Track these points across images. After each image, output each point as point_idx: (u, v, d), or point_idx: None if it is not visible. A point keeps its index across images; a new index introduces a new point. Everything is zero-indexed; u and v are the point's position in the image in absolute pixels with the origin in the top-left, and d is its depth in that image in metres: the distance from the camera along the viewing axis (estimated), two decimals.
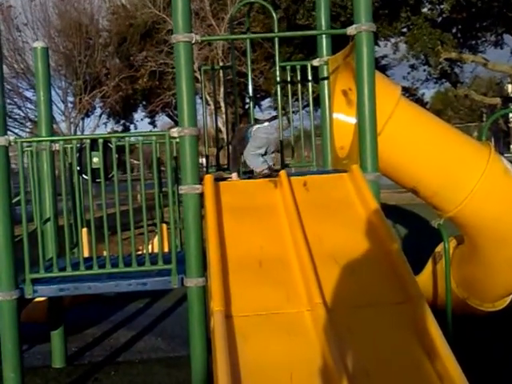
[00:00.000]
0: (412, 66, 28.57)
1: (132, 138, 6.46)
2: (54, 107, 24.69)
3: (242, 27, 20.90)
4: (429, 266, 7.89)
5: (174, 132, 5.47)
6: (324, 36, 7.15)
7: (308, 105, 7.92)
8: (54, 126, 24.95)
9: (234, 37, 6.66)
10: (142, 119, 39.24)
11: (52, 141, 6.13)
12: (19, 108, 25.31)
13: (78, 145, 5.83)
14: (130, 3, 30.82)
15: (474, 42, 28.57)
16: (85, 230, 7.19)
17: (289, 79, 7.58)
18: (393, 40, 25.86)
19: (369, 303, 4.48)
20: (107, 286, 5.73)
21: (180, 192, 5.53)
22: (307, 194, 5.58)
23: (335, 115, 7.03)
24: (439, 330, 4.09)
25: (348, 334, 4.18)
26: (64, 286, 5.64)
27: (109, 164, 5.85)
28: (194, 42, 5.44)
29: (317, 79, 7.27)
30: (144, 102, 35.39)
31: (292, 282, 4.62)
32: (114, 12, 30.95)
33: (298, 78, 7.47)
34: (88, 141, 5.74)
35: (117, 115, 34.58)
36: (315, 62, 7.18)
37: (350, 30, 5.61)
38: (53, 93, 24.21)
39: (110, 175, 5.90)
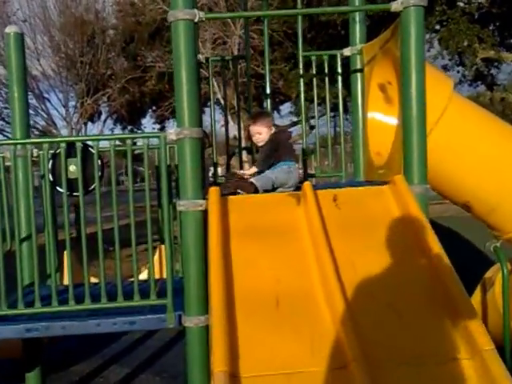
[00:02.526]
0: (445, 67, 27.83)
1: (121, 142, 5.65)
2: (55, 112, 24.25)
3: (260, 25, 20.24)
4: (477, 295, 7.13)
5: (171, 133, 4.71)
6: (357, 20, 6.50)
7: (336, 108, 7.16)
8: (55, 132, 24.41)
9: (247, 14, 5.88)
10: (153, 128, 38.80)
11: (15, 144, 5.29)
12: None
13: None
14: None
15: None
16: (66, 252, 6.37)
17: (314, 71, 6.85)
18: (427, 36, 25.20)
19: (423, 358, 3.69)
20: (86, 326, 4.94)
21: (178, 209, 4.80)
22: (338, 211, 4.88)
23: (370, 115, 6.38)
24: None
25: None
26: (32, 325, 4.87)
27: (89, 173, 5.00)
28: (197, 20, 4.71)
29: (348, 72, 6.66)
30: (154, 107, 35.02)
31: (318, 327, 3.87)
32: (121, 9, 30.58)
33: (326, 71, 6.87)
34: (63, 144, 4.91)
35: (123, 120, 34.14)
36: (346, 52, 6.60)
37: (396, 5, 4.93)
38: (53, 97, 24.01)
39: (91, 187, 5.06)
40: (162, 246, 6.82)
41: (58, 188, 5.17)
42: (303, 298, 4.05)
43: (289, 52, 25.73)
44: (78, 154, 4.85)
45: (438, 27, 24.22)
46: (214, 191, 4.80)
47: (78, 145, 4.84)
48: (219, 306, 3.81)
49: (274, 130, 5.67)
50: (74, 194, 5.05)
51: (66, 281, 6.06)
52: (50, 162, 5.09)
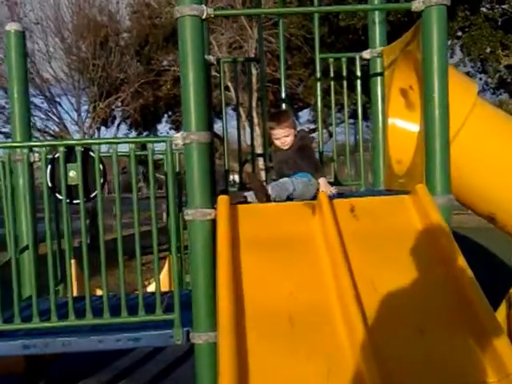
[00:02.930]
0: (467, 74, 27.46)
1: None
2: (67, 116, 24.02)
3: (277, 28, 19.98)
4: (502, 311, 6.82)
5: (178, 138, 4.47)
6: (377, 21, 6.29)
7: (356, 114, 6.91)
8: (68, 137, 24.16)
9: (261, 10, 5.63)
10: (168, 133, 38.53)
11: (10, 147, 5.05)
12: None
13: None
14: (153, 0, 30.18)
15: None
16: (74, 261, 6.16)
17: (331, 74, 6.55)
18: (448, 42, 24.89)
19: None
20: (88, 343, 4.73)
21: (185, 218, 4.56)
22: (355, 222, 4.61)
23: (391, 121, 6.16)
24: None
25: None
26: (29, 341, 4.66)
27: (90, 179, 4.76)
28: (204, 16, 4.48)
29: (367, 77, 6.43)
30: (169, 112, 34.73)
31: (335, 352, 3.61)
32: (136, 11, 30.34)
33: (344, 73, 6.66)
34: (62, 148, 4.67)
35: (138, 126, 33.86)
36: (366, 54, 6.37)
37: (417, 5, 4.70)
38: (65, 101, 23.80)
39: (93, 194, 4.82)
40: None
41: (57, 195, 4.93)
42: (319, 317, 3.81)
43: (308, 57, 25.39)
44: (78, 159, 4.64)
45: (459, 33, 23.90)
46: (222, 200, 4.55)
47: (78, 149, 4.62)
48: (227, 324, 3.57)
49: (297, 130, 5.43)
50: (75, 201, 4.82)
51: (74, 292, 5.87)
52: (49, 167, 4.86)
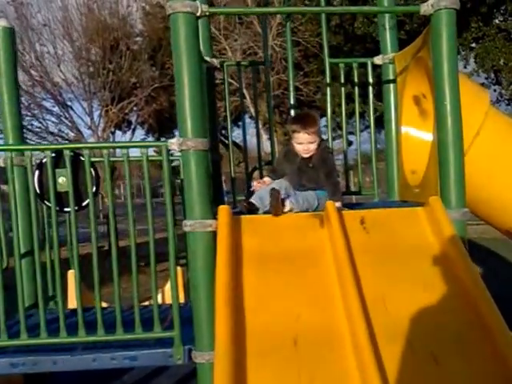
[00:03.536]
0: (481, 85, 27.23)
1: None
2: (80, 121, 23.82)
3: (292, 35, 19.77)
4: None
5: (173, 143, 4.14)
6: (388, 26, 6.05)
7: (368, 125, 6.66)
8: (83, 141, 23.85)
9: (262, 10, 5.36)
10: None
11: None
12: (38, 120, 24.33)
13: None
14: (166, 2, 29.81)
15: None
16: (72, 272, 5.85)
17: (342, 80, 6.28)
18: (463, 53, 24.64)
19: None
20: (80, 361, 4.38)
21: (184, 229, 4.24)
22: (365, 235, 4.33)
23: (404, 129, 5.89)
24: None
25: None
26: (18, 359, 4.32)
27: (81, 186, 4.46)
28: (199, 13, 4.19)
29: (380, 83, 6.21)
30: None
31: (342, 374, 3.34)
32: (149, 12, 30.09)
33: (356, 79, 6.37)
34: (49, 153, 4.37)
35: (155, 131, 33.57)
36: (378, 60, 6.14)
37: (425, 8, 4.47)
38: (77, 105, 23.59)
39: (85, 203, 4.52)
40: (179, 268, 6.36)
41: (45, 202, 4.61)
42: (325, 340, 3.51)
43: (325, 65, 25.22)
44: (68, 164, 4.32)
45: (473, 45, 23.69)
46: (223, 210, 4.24)
47: (67, 153, 4.30)
48: (224, 346, 3.27)
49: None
50: (65, 209, 4.51)
51: (73, 304, 5.58)
52: (37, 172, 4.53)
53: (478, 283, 3.75)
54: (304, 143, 4.83)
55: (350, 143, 19.72)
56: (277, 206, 4.44)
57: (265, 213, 4.55)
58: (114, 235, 4.52)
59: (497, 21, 23.15)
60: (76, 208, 4.46)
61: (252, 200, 4.61)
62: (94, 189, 4.53)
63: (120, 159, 4.60)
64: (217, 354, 3.26)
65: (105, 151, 4.43)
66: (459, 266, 3.90)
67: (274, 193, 4.44)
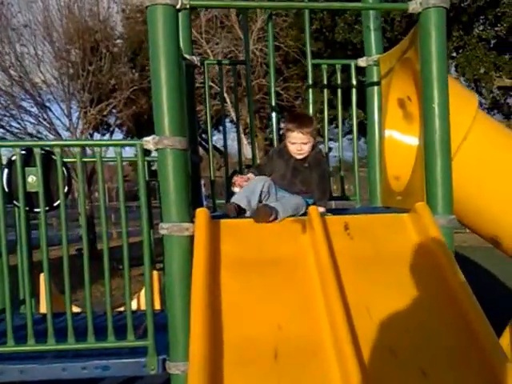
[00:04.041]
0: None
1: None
2: (59, 122, 23.53)
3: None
4: (505, 337, 6.32)
5: (149, 142, 3.93)
6: (372, 27, 5.86)
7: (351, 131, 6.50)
8: None
9: (244, 4, 5.14)
10: None
11: None
12: (16, 120, 23.99)
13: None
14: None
15: None
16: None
17: (325, 82, 6.14)
18: None
19: None
20: (50, 370, 4.15)
21: (160, 232, 4.02)
22: (349, 241, 4.13)
23: (388, 133, 5.69)
24: None
25: None
26: None
27: (53, 186, 4.23)
28: (179, 6, 3.97)
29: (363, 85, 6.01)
30: None
31: None
32: (129, 16, 29.89)
33: (338, 81, 6.24)
34: (18, 150, 4.14)
35: (133, 134, 33.32)
36: (361, 62, 5.94)
37: (414, 6, 4.31)
38: (56, 106, 23.32)
39: (56, 203, 4.29)
40: (155, 273, 6.17)
41: (14, 202, 4.36)
42: (307, 352, 3.31)
43: (305, 70, 25.10)
44: (38, 163, 4.08)
45: (454, 54, 23.71)
46: (201, 213, 4.02)
47: (37, 151, 4.07)
48: (200, 356, 3.06)
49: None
50: (35, 210, 4.27)
51: (44, 308, 5.38)
52: (6, 170, 4.27)
53: (467, 291, 3.62)
54: (297, 143, 4.61)
55: (329, 149, 19.74)
56: (263, 221, 4.24)
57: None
58: (87, 237, 4.29)
59: (477, 30, 23.19)
60: (47, 209, 4.24)
61: (240, 204, 4.41)
62: (66, 189, 4.30)
63: (93, 159, 4.39)
64: (191, 366, 3.06)
65: (77, 150, 4.21)
66: (447, 274, 3.75)
67: (265, 210, 4.24)
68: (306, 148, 4.62)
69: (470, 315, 3.48)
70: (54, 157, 4.12)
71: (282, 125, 6.13)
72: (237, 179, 4.69)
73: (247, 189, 4.52)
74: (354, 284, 3.71)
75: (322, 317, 3.48)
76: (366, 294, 3.66)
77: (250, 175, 4.73)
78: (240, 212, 4.39)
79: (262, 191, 4.50)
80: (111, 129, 29.78)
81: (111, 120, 28.75)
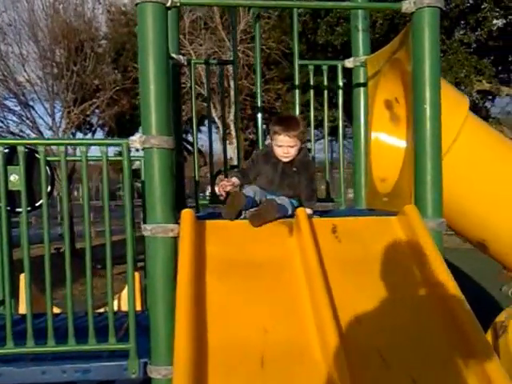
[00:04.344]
0: None
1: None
2: (42, 121, 23.36)
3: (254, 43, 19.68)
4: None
5: (135, 141, 3.80)
6: (360, 28, 5.72)
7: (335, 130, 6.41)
8: None
9: (235, 2, 5.03)
10: None
11: None
12: None
13: None
14: (131, 7, 29.59)
15: (506, 76, 27.38)
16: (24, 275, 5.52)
17: (311, 82, 6.11)
18: None
19: None
20: (28, 374, 4.01)
21: (144, 233, 3.89)
22: (338, 245, 4.01)
23: (374, 135, 5.55)
24: None
25: None
26: None
27: (36, 185, 4.09)
28: (169, 4, 3.87)
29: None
30: None
31: None
32: (113, 18, 29.76)
33: (325, 82, 6.10)
34: (1, 148, 3.99)
35: (115, 134, 33.08)
36: (348, 63, 5.80)
37: (407, 5, 4.21)
38: (39, 105, 23.16)
39: (38, 203, 4.16)
40: (137, 274, 6.06)
41: None
42: (294, 357, 3.18)
43: (286, 72, 25.21)
44: (21, 161, 3.95)
45: None
46: (187, 214, 3.89)
47: (20, 149, 3.93)
48: (184, 362, 2.94)
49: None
50: (17, 210, 4.13)
51: (23, 309, 5.25)
52: None
53: (458, 294, 3.53)
54: (284, 146, 4.42)
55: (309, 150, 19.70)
56: (265, 221, 4.09)
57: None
58: (68, 237, 4.15)
59: (458, 34, 23.16)
60: (29, 208, 4.11)
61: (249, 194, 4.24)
62: (49, 188, 4.18)
63: (78, 159, 4.25)
64: (176, 370, 2.94)
65: (61, 148, 4.07)
66: (438, 277, 3.64)
67: (273, 204, 4.13)
68: (293, 151, 4.44)
69: (461, 318, 3.40)
70: (37, 155, 3.99)
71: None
72: (223, 183, 4.51)
73: (250, 190, 4.36)
74: (341, 287, 3.59)
75: (309, 320, 3.38)
76: (354, 298, 3.56)
77: (234, 179, 4.53)
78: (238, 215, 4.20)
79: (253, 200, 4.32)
80: (93, 128, 29.66)
81: (94, 120, 28.64)
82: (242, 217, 4.20)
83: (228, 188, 4.36)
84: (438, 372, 3.22)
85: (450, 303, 3.49)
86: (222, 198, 4.53)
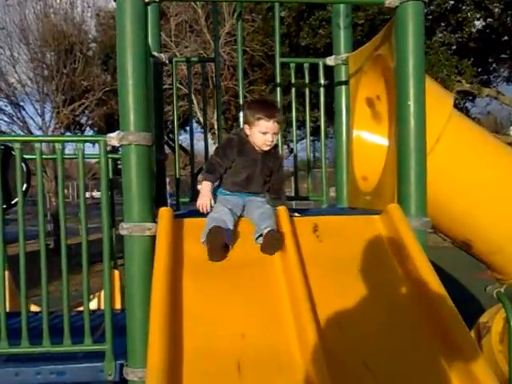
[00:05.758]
0: None
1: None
2: (32, 121, 23.34)
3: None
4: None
5: (113, 138, 3.61)
6: (342, 25, 5.52)
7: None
8: None
9: None
10: None
11: None
12: None
13: None
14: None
15: (486, 77, 27.36)
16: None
17: (292, 80, 5.96)
18: None
19: None
20: (2, 375, 3.84)
21: (121, 232, 3.69)
22: (319, 244, 3.80)
23: (356, 133, 5.34)
24: None
25: None
26: None
27: (11, 182, 3.89)
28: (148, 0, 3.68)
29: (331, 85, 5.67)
30: None
31: None
32: (102, 22, 29.66)
33: (306, 81, 5.93)
34: None
35: (103, 133, 33.06)
36: (329, 61, 5.57)
37: (390, 0, 3.99)
38: (29, 105, 23.06)
39: (14, 201, 3.96)
40: (116, 272, 5.87)
41: None
42: (273, 361, 2.96)
43: (269, 74, 25.06)
44: None
45: None
46: (164, 212, 3.69)
47: None
48: (157, 369, 2.71)
49: None
50: None
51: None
52: None
53: (442, 293, 3.35)
54: (269, 133, 3.94)
55: (291, 151, 19.56)
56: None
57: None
58: (43, 235, 3.94)
59: (440, 35, 23.08)
60: (4, 206, 3.89)
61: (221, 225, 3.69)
62: (25, 186, 3.96)
63: (53, 156, 4.05)
64: (149, 376, 2.73)
65: (37, 145, 3.85)
66: (422, 277, 3.45)
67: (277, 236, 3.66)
68: (275, 139, 4.02)
69: (447, 319, 3.22)
70: (13, 152, 3.78)
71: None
72: (201, 206, 4.06)
73: (216, 219, 3.80)
74: (322, 289, 3.40)
75: (289, 324, 3.17)
76: (336, 299, 3.37)
77: (208, 193, 3.96)
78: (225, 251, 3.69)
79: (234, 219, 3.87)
80: (83, 128, 29.58)
81: (83, 120, 28.59)
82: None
83: (209, 207, 3.90)
84: (421, 372, 3.06)
85: (435, 302, 3.32)
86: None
